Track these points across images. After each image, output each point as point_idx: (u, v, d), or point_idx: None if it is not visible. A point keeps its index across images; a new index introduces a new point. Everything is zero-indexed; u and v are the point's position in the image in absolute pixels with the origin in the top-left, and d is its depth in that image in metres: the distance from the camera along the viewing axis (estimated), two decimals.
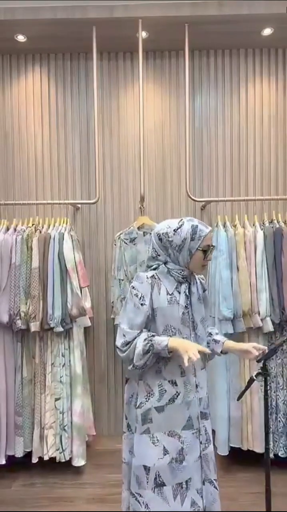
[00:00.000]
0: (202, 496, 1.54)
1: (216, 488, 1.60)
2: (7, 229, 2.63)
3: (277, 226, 2.56)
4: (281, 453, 2.46)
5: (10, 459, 2.52)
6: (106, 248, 2.97)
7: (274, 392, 2.50)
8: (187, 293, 1.56)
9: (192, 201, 2.83)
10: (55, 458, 2.44)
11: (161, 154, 2.98)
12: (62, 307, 2.45)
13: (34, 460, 2.46)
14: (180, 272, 1.55)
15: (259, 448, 2.44)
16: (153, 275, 1.55)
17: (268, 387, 2.46)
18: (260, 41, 2.83)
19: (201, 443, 1.56)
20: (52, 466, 2.52)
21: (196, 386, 1.56)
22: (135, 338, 1.49)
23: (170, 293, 1.53)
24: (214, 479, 1.59)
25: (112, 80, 2.97)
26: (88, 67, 2.95)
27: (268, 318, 2.44)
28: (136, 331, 1.51)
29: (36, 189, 3.00)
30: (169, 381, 1.53)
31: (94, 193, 2.79)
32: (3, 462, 2.48)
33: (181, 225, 1.53)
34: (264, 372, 1.63)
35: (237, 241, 2.49)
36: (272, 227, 2.54)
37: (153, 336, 1.49)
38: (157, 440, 1.51)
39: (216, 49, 2.94)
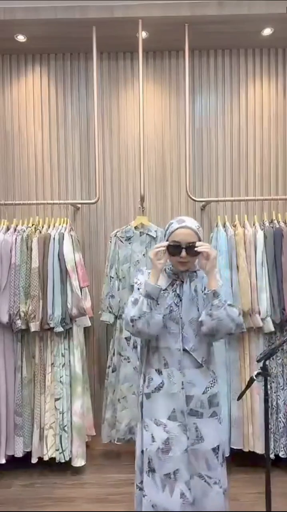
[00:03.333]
0: (189, 489, 1.54)
1: (208, 484, 1.57)
2: (7, 229, 2.62)
3: (277, 226, 2.56)
4: (281, 454, 2.46)
5: (10, 459, 2.52)
6: (106, 248, 2.96)
7: (275, 392, 2.49)
8: (179, 292, 1.60)
9: (192, 201, 2.83)
10: (55, 458, 2.44)
11: (161, 154, 2.98)
12: (62, 307, 2.45)
13: (34, 460, 2.46)
14: (171, 268, 1.62)
15: (260, 449, 2.44)
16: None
17: (269, 387, 2.46)
18: (260, 41, 2.83)
19: (188, 438, 1.56)
20: (52, 466, 2.51)
21: (182, 382, 1.56)
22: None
23: (163, 288, 1.58)
24: (205, 475, 1.57)
25: (112, 80, 2.97)
26: (88, 67, 2.95)
27: (268, 318, 2.44)
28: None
29: (36, 189, 3.00)
30: (156, 370, 1.61)
31: (94, 193, 2.79)
32: (3, 462, 2.48)
33: (171, 222, 1.62)
34: (264, 372, 1.63)
35: (237, 241, 2.48)
36: (272, 227, 2.54)
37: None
38: (147, 425, 1.61)
39: (216, 49, 2.94)
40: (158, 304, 1.53)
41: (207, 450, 1.58)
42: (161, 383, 1.60)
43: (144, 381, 1.64)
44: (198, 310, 1.58)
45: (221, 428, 1.67)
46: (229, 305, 1.53)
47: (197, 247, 1.52)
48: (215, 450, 1.60)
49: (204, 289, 1.57)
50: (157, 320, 1.52)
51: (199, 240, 1.56)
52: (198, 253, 1.53)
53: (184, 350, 1.57)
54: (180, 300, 1.59)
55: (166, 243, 1.54)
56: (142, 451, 1.62)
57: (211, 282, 1.53)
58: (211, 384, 1.63)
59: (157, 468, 1.56)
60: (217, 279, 1.56)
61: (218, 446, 1.61)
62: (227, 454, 2.45)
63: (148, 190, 2.95)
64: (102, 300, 2.69)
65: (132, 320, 1.54)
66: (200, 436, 1.58)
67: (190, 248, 1.52)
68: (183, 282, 1.61)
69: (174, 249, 1.53)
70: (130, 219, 2.92)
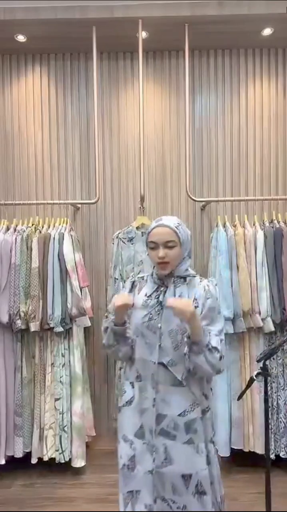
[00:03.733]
0: None
1: (170, 508, 1.40)
2: (7, 229, 2.62)
3: (277, 226, 2.56)
4: (282, 454, 2.46)
5: (10, 459, 2.51)
6: (106, 248, 2.96)
7: (275, 392, 2.49)
8: (161, 298, 1.45)
9: (192, 201, 2.83)
10: (54, 458, 2.44)
11: (161, 154, 2.98)
12: (62, 307, 2.45)
13: (34, 460, 2.46)
14: (156, 274, 1.50)
15: (260, 449, 2.43)
16: (144, 276, 1.57)
17: (269, 387, 2.45)
18: (260, 41, 2.83)
19: (154, 459, 1.41)
20: (52, 467, 2.51)
21: (154, 399, 1.42)
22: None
23: (148, 295, 1.48)
24: (169, 499, 1.40)
25: (112, 80, 2.97)
26: (88, 67, 2.95)
27: (268, 318, 2.44)
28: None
29: (36, 189, 2.99)
30: (130, 383, 1.50)
31: (94, 193, 2.79)
32: (3, 462, 2.47)
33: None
34: (264, 372, 1.63)
35: (237, 241, 2.48)
36: (272, 227, 2.54)
37: None
38: (118, 441, 1.53)
39: (216, 49, 2.94)
40: (126, 337, 1.45)
41: (174, 475, 1.39)
42: (132, 397, 1.48)
43: (120, 394, 1.57)
44: (180, 320, 1.38)
45: (200, 461, 1.40)
46: (210, 349, 1.34)
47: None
48: (186, 478, 1.39)
49: (193, 301, 1.41)
50: (124, 352, 1.47)
51: (179, 239, 1.42)
52: (177, 253, 1.42)
53: (161, 363, 1.41)
54: (162, 308, 1.43)
55: (130, 300, 1.42)
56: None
57: (192, 333, 1.33)
58: (191, 407, 1.42)
59: (122, 485, 1.47)
60: (199, 328, 1.34)
61: (190, 476, 1.39)
62: (228, 454, 2.45)
63: (148, 190, 2.95)
64: (108, 302, 2.69)
65: (103, 346, 1.52)
66: (169, 459, 1.40)
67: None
68: (167, 288, 1.46)
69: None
70: (130, 219, 2.92)
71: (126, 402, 1.50)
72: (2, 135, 2.99)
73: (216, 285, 1.50)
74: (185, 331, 1.36)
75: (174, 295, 1.43)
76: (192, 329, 1.33)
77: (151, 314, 1.44)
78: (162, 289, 1.47)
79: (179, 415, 1.41)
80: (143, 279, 1.56)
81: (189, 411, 1.41)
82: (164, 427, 1.41)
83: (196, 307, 1.38)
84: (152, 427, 1.42)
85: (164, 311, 1.42)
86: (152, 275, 1.53)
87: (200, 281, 1.47)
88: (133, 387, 1.48)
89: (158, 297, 1.46)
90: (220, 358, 1.36)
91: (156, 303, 1.45)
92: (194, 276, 1.49)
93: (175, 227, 1.42)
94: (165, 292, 1.45)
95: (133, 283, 1.57)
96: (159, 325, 1.42)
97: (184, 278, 1.46)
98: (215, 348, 1.35)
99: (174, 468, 1.39)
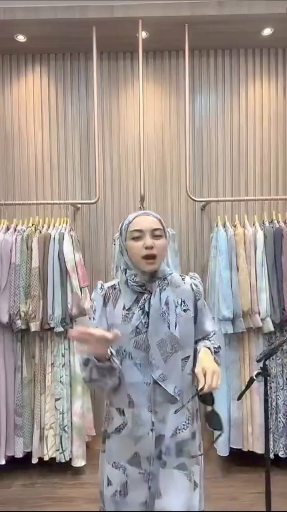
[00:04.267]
0: None
1: None
2: (7, 229, 2.62)
3: (277, 226, 2.56)
4: (281, 454, 2.46)
5: (10, 459, 2.52)
6: (106, 248, 2.96)
7: (274, 392, 2.50)
8: (146, 308, 1.23)
9: (192, 201, 2.83)
10: (55, 458, 2.44)
11: (161, 154, 2.98)
12: (62, 307, 2.45)
13: (34, 460, 2.46)
14: (133, 278, 1.25)
15: (259, 449, 2.44)
16: (114, 284, 1.31)
17: (268, 387, 2.46)
18: (260, 41, 2.83)
19: (150, 488, 1.23)
20: (52, 467, 2.52)
21: (153, 423, 1.22)
22: None
23: (127, 307, 1.25)
24: None
25: (112, 80, 2.97)
26: (88, 67, 2.95)
27: (268, 318, 2.44)
28: None
29: (36, 189, 3.00)
30: (116, 409, 1.27)
31: (94, 193, 2.79)
32: (3, 462, 2.48)
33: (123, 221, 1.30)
34: (264, 372, 1.63)
35: (237, 241, 2.48)
36: (272, 227, 2.54)
37: None
38: (104, 467, 1.32)
39: (216, 49, 2.94)
40: (113, 368, 1.17)
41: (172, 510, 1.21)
42: (121, 424, 1.26)
43: (105, 418, 1.33)
44: (169, 327, 1.22)
45: (193, 497, 1.25)
46: (217, 352, 1.29)
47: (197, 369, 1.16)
48: None
49: (181, 304, 1.27)
50: (112, 384, 1.22)
51: (163, 230, 1.24)
52: (164, 245, 1.24)
53: (155, 382, 1.21)
54: (148, 320, 1.22)
55: (95, 331, 1.04)
56: (101, 492, 1.33)
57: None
58: (184, 425, 1.25)
59: None
60: (211, 355, 1.22)
61: None
62: (227, 454, 2.46)
63: (148, 190, 2.95)
64: None
65: (84, 380, 1.24)
66: (158, 491, 1.22)
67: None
68: (151, 294, 1.24)
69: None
70: None
71: (115, 429, 1.27)
72: (2, 135, 2.99)
73: (200, 281, 1.36)
74: (173, 339, 1.22)
75: (160, 302, 1.23)
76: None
77: (137, 328, 1.22)
78: (145, 297, 1.24)
79: (171, 436, 1.23)
80: (114, 288, 1.30)
81: (181, 429, 1.25)
82: (162, 449, 1.23)
83: (185, 310, 1.27)
84: (151, 453, 1.23)
85: (151, 321, 1.21)
86: (127, 283, 1.27)
87: (183, 279, 1.32)
88: (123, 414, 1.26)
89: (143, 308, 1.22)
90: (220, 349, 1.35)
91: (141, 314, 1.22)
92: (171, 274, 1.31)
93: (159, 218, 1.26)
94: (149, 299, 1.23)
95: (104, 295, 1.30)
96: (147, 339, 1.21)
97: (165, 279, 1.28)
98: (219, 347, 1.32)
99: (163, 503, 1.22)
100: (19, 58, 2.98)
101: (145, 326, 1.22)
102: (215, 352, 1.28)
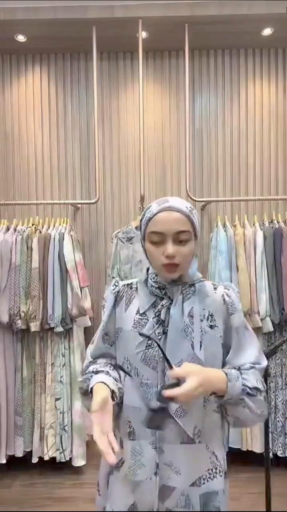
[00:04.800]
0: None
1: None
2: (7, 229, 2.63)
3: (277, 226, 2.57)
4: (279, 453, 2.47)
5: (10, 459, 2.52)
6: (106, 248, 2.97)
7: (273, 392, 2.50)
8: (163, 317, 1.01)
9: (192, 201, 2.83)
10: (55, 458, 2.45)
11: (161, 154, 2.98)
12: (62, 307, 2.45)
13: (34, 460, 2.47)
14: (154, 277, 1.04)
15: (259, 448, 2.44)
16: (132, 283, 1.11)
17: (268, 387, 2.46)
18: (260, 41, 2.82)
19: None
20: (52, 466, 2.52)
21: (157, 464, 0.96)
22: (87, 367, 1.06)
23: (141, 312, 1.03)
24: None
25: (112, 80, 2.97)
26: (88, 67, 2.95)
27: (268, 318, 2.45)
28: (91, 358, 1.09)
29: (36, 189, 3.00)
30: (126, 434, 1.02)
31: (94, 193, 2.79)
32: (4, 461, 2.48)
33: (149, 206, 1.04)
34: (264, 372, 1.63)
35: (236, 241, 2.49)
36: (272, 227, 2.54)
37: (98, 372, 1.00)
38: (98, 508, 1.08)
39: (216, 49, 2.94)
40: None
41: None
42: (121, 460, 1.01)
43: None
44: (192, 347, 0.97)
45: None
46: (250, 393, 0.95)
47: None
48: None
49: (207, 318, 1.01)
50: (116, 412, 1.02)
51: (194, 229, 0.99)
52: (191, 250, 0.99)
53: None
54: (164, 332, 1.00)
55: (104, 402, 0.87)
56: None
57: (218, 394, 0.95)
58: (210, 474, 0.98)
59: None
60: (222, 387, 0.92)
61: None
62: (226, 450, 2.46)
63: (148, 190, 2.96)
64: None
65: (84, 406, 1.06)
66: None
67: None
68: (172, 301, 1.01)
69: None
70: (130, 219, 2.92)
71: (114, 466, 1.02)
72: (2, 135, 2.99)
73: (237, 292, 1.09)
74: (196, 361, 0.96)
75: (182, 312, 1.00)
76: (217, 392, 0.94)
77: (149, 340, 0.99)
78: (164, 302, 1.02)
79: (193, 485, 0.96)
80: (131, 288, 1.09)
81: (207, 478, 0.98)
82: (171, 506, 0.96)
83: (212, 326, 1.00)
84: (153, 507, 0.96)
85: (169, 337, 0.98)
86: (146, 282, 1.07)
87: (215, 288, 1.06)
88: (121, 446, 1.02)
89: (159, 315, 1.01)
90: (265, 398, 0.98)
91: (157, 323, 1.00)
92: (201, 281, 1.06)
93: (189, 211, 0.98)
94: (169, 307, 1.01)
95: (116, 294, 1.09)
96: (162, 355, 0.96)
97: (193, 285, 1.04)
98: (256, 389, 0.96)
99: None
100: (19, 58, 2.98)
101: (159, 338, 0.99)
102: (248, 394, 0.94)
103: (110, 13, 2.50)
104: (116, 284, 1.11)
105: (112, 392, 0.94)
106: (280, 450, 2.47)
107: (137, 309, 1.04)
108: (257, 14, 2.49)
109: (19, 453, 2.49)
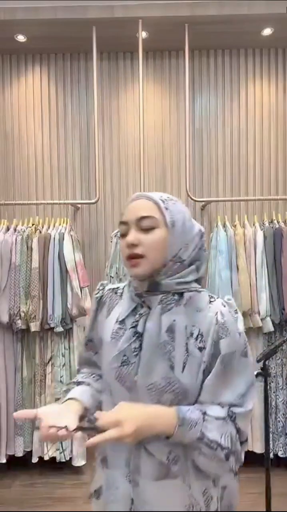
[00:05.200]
0: None
1: None
2: (7, 229, 2.63)
3: (277, 226, 2.57)
4: (280, 453, 2.46)
5: (10, 458, 2.52)
6: (106, 248, 2.96)
7: (274, 392, 2.50)
8: (140, 328, 0.85)
9: (192, 201, 2.83)
10: (55, 458, 2.45)
11: (161, 154, 2.98)
12: (62, 307, 2.45)
13: (34, 460, 2.47)
14: (132, 282, 0.91)
15: (259, 449, 2.44)
16: (118, 287, 0.98)
17: (268, 387, 2.46)
18: (260, 41, 2.82)
19: None
20: (52, 466, 2.52)
21: (132, 500, 0.83)
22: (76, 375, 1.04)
23: (121, 319, 0.90)
24: None
25: (112, 80, 2.97)
26: (88, 67, 2.95)
27: (268, 318, 2.45)
28: (77, 366, 1.07)
29: (36, 189, 3.00)
30: (100, 461, 0.92)
31: (94, 193, 2.79)
32: (4, 461, 2.48)
33: None
34: (264, 372, 1.63)
35: (237, 241, 2.49)
36: (272, 227, 2.54)
37: (80, 383, 0.97)
38: None
39: (216, 49, 2.94)
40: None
41: None
42: (100, 487, 0.91)
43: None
44: (171, 368, 0.81)
45: None
46: (209, 444, 0.78)
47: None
48: None
49: (197, 337, 0.83)
50: None
51: (164, 218, 0.83)
52: (160, 241, 0.83)
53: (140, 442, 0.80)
54: (141, 346, 0.84)
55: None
56: None
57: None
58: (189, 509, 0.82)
59: None
60: (167, 425, 0.78)
61: None
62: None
63: (148, 190, 2.95)
64: None
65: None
66: None
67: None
68: (150, 309, 0.86)
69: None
70: None
71: (95, 492, 0.92)
72: (2, 135, 2.99)
73: (236, 311, 0.87)
74: (177, 387, 0.81)
75: (159, 324, 0.83)
76: (160, 435, 0.80)
77: (125, 355, 0.85)
78: (143, 311, 0.87)
79: None
80: (116, 292, 0.97)
81: None
82: None
83: (201, 349, 0.82)
84: None
85: (143, 353, 0.83)
86: (129, 285, 0.93)
87: (210, 302, 0.87)
88: (103, 468, 0.91)
89: (135, 326, 0.86)
90: (229, 455, 0.80)
91: (133, 335, 0.86)
92: (198, 291, 0.88)
93: (161, 200, 0.85)
94: (146, 317, 0.86)
95: (99, 299, 0.98)
96: (136, 377, 0.83)
97: (180, 293, 0.86)
98: (217, 444, 0.78)
99: None
100: (19, 58, 2.98)
101: (135, 354, 0.84)
102: (206, 445, 0.78)
103: (110, 13, 2.50)
104: (100, 288, 1.00)
105: (86, 408, 0.88)
106: (281, 450, 2.47)
107: (118, 316, 0.91)
108: (257, 14, 2.49)
109: (19, 453, 2.49)
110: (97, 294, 1.00)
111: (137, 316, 0.87)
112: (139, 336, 0.85)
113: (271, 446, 2.46)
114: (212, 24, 2.59)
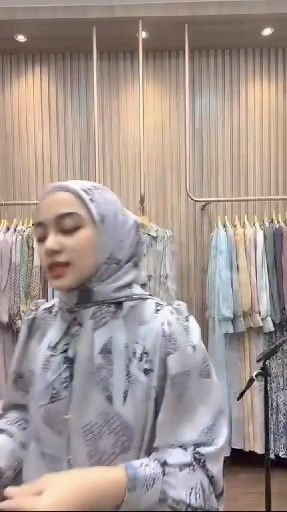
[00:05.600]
0: None
1: None
2: (7, 229, 2.62)
3: (277, 226, 2.56)
4: (281, 454, 2.46)
5: None
6: None
7: (275, 392, 2.50)
8: (71, 353, 0.69)
9: (192, 201, 2.83)
10: None
11: (161, 154, 2.98)
12: None
13: None
14: (62, 298, 0.73)
15: (260, 449, 2.44)
16: (53, 305, 0.80)
17: (269, 387, 2.46)
18: (260, 41, 2.82)
19: None
20: None
21: None
22: None
23: (53, 345, 0.72)
24: None
25: (112, 80, 2.97)
26: (88, 67, 2.95)
27: (268, 318, 2.45)
28: (1, 412, 0.84)
29: (36, 189, 2.99)
30: None
31: None
32: None
33: None
34: (264, 372, 1.63)
35: (237, 241, 2.48)
36: (272, 227, 2.54)
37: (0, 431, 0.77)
38: None
39: (216, 49, 2.94)
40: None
41: None
42: None
43: None
44: (109, 399, 0.63)
45: None
46: (167, 503, 0.58)
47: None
48: None
49: (140, 357, 0.66)
50: None
51: (89, 212, 0.66)
52: (87, 241, 0.66)
53: None
54: (71, 375, 0.67)
55: None
56: None
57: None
58: None
59: None
60: (111, 493, 0.55)
61: None
62: (228, 454, 2.46)
63: (148, 190, 2.95)
64: None
65: None
66: None
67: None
68: (81, 328, 0.69)
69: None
70: None
71: None
72: (2, 135, 2.99)
73: (187, 318, 0.69)
74: (119, 424, 0.62)
75: (91, 345, 0.66)
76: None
77: (54, 389, 0.68)
78: (74, 331, 0.70)
79: None
80: (50, 312, 0.78)
81: None
82: None
83: (147, 371, 0.64)
84: None
85: (75, 381, 0.66)
86: (60, 300, 0.75)
87: (157, 311, 0.69)
88: None
89: (66, 350, 0.69)
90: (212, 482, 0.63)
91: (62, 362, 0.69)
92: (144, 298, 0.71)
93: (84, 190, 0.67)
94: (76, 339, 0.68)
95: (31, 323, 0.80)
96: (67, 415, 0.65)
97: (118, 303, 0.69)
98: (185, 504, 0.58)
99: None
100: (19, 58, 2.98)
101: (64, 385, 0.67)
102: (171, 508, 0.58)
103: (110, 13, 2.50)
104: (33, 308, 0.81)
105: None
106: (282, 451, 2.46)
107: (50, 340, 0.72)
108: (257, 14, 2.49)
109: None
110: (28, 316, 0.80)
111: (68, 338, 0.69)
112: (70, 362, 0.67)
113: (272, 446, 2.46)
114: (212, 24, 2.59)
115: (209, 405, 0.65)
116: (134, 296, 0.70)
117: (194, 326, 0.68)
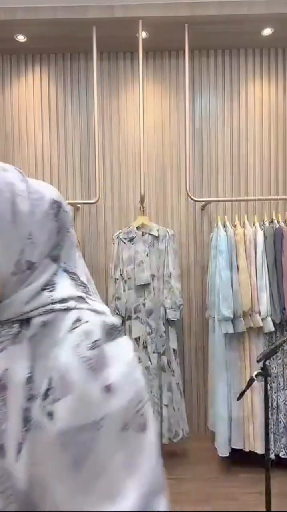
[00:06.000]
0: None
1: None
2: None
3: (277, 226, 2.56)
4: (282, 454, 2.46)
5: None
6: (106, 248, 2.96)
7: (275, 392, 2.49)
8: None
9: (192, 201, 2.83)
10: None
11: (161, 154, 2.98)
12: None
13: None
14: None
15: (260, 449, 2.43)
16: None
17: (269, 387, 2.46)
18: (260, 41, 2.83)
19: None
20: None
21: None
22: None
23: None
24: None
25: (112, 80, 2.97)
26: (88, 67, 2.95)
27: (268, 318, 2.44)
28: None
29: None
30: None
31: (94, 193, 2.79)
32: None
33: None
34: (264, 372, 1.63)
35: (237, 241, 2.48)
36: (272, 227, 2.54)
37: None
38: None
39: (216, 49, 2.94)
40: None
41: None
42: None
43: None
44: (1, 451, 0.46)
45: None
46: None
47: None
48: None
49: (45, 392, 0.45)
50: None
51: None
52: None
53: None
54: None
55: None
56: None
57: None
58: None
59: None
60: None
61: None
62: (227, 454, 2.46)
63: (148, 190, 2.95)
64: (108, 304, 2.69)
65: None
66: None
67: None
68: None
69: None
70: (130, 219, 2.92)
71: None
72: (2, 135, 2.99)
73: (95, 341, 0.46)
74: (5, 483, 0.45)
75: (23, 366, 0.48)
76: None
77: None
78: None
79: None
80: None
81: None
82: None
83: (50, 414, 0.44)
84: None
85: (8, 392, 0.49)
86: None
87: (72, 329, 0.47)
88: None
89: None
90: None
91: None
92: (66, 310, 0.50)
93: None
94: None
95: None
96: None
97: (25, 320, 0.50)
98: None
99: None
100: (19, 58, 2.98)
101: None
102: None
103: (110, 13, 2.50)
104: None
105: None
106: (282, 451, 2.46)
107: None
108: (257, 14, 2.49)
109: None
110: None
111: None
112: None
113: (272, 446, 2.46)
114: (212, 24, 2.59)
115: (138, 477, 0.42)
116: (51, 307, 0.49)
117: (114, 354, 0.46)
